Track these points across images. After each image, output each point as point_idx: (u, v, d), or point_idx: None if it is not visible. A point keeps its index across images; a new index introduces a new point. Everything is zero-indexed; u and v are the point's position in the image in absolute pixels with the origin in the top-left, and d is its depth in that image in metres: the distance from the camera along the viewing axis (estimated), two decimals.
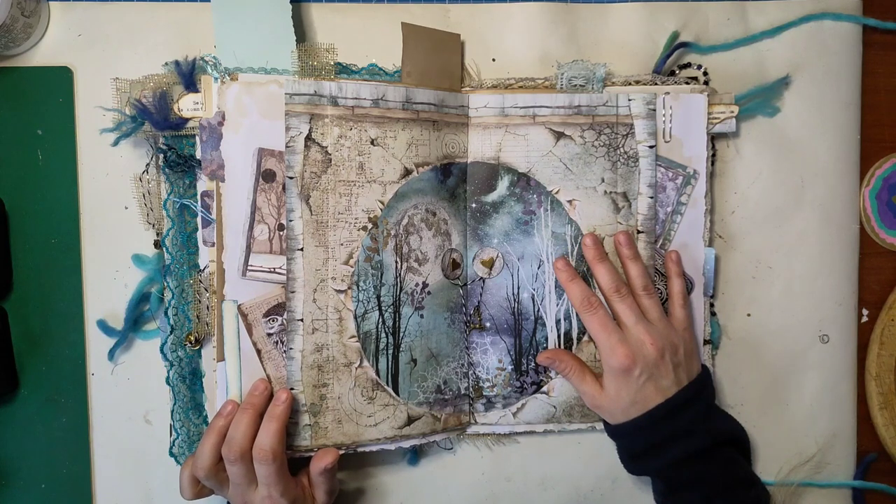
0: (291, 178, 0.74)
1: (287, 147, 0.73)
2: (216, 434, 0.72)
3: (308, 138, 0.74)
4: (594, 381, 0.79)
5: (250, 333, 0.75)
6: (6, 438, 0.81)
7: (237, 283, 0.74)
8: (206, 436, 0.72)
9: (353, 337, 0.76)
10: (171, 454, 0.78)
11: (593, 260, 0.79)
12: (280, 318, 0.75)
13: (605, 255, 0.79)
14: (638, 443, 0.77)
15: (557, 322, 0.81)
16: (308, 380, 0.75)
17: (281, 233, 0.75)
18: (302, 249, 0.74)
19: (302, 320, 0.75)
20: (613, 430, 0.79)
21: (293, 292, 0.75)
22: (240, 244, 0.74)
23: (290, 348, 0.75)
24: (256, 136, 0.73)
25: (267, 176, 0.74)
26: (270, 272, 0.75)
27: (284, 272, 0.75)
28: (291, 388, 0.75)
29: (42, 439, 0.82)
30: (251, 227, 0.74)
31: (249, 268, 0.74)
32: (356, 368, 0.77)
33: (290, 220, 0.74)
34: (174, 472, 0.80)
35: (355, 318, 0.76)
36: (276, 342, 0.75)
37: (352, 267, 0.76)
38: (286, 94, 0.73)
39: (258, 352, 0.75)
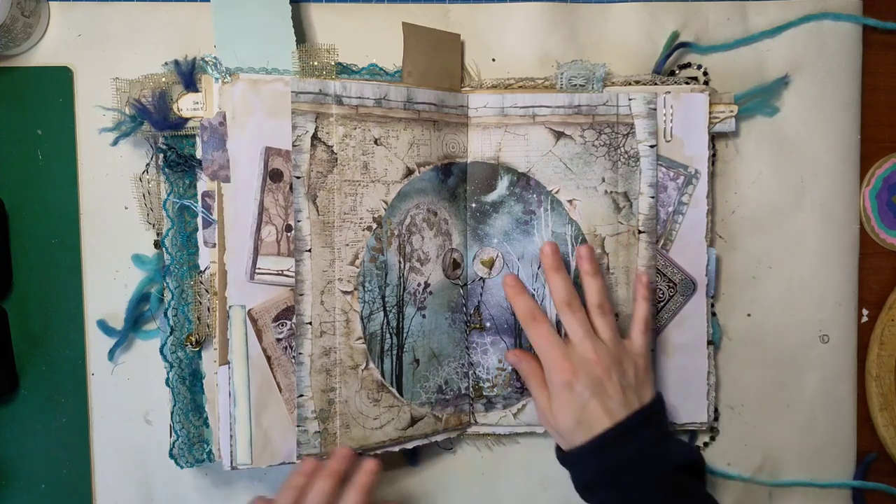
0: (299, 177, 0.74)
1: (294, 146, 0.73)
2: (294, 491, 0.70)
3: (314, 137, 0.74)
4: (549, 396, 0.76)
5: (260, 340, 0.74)
6: (6, 438, 0.81)
7: (245, 287, 0.74)
8: (284, 491, 0.70)
9: (360, 338, 0.76)
10: (171, 456, 0.78)
11: (549, 269, 0.77)
12: (289, 323, 0.75)
13: (561, 265, 0.77)
14: (588, 471, 0.73)
15: (557, 322, 0.81)
16: (317, 385, 0.75)
17: (288, 234, 0.74)
18: (310, 251, 0.74)
19: (310, 323, 0.75)
20: (564, 458, 0.76)
21: (302, 295, 0.74)
22: (247, 246, 0.74)
23: (300, 353, 0.75)
24: (263, 135, 0.73)
25: (274, 175, 0.74)
26: (278, 275, 0.74)
27: (292, 274, 0.74)
28: (300, 395, 0.75)
29: (42, 439, 0.81)
30: (259, 229, 0.74)
31: (258, 271, 0.74)
32: (362, 371, 0.77)
33: (298, 221, 0.74)
34: (174, 472, 0.80)
35: (361, 319, 0.76)
36: (285, 347, 0.75)
37: (357, 267, 0.76)
38: (292, 92, 0.73)
39: (268, 358, 0.75)
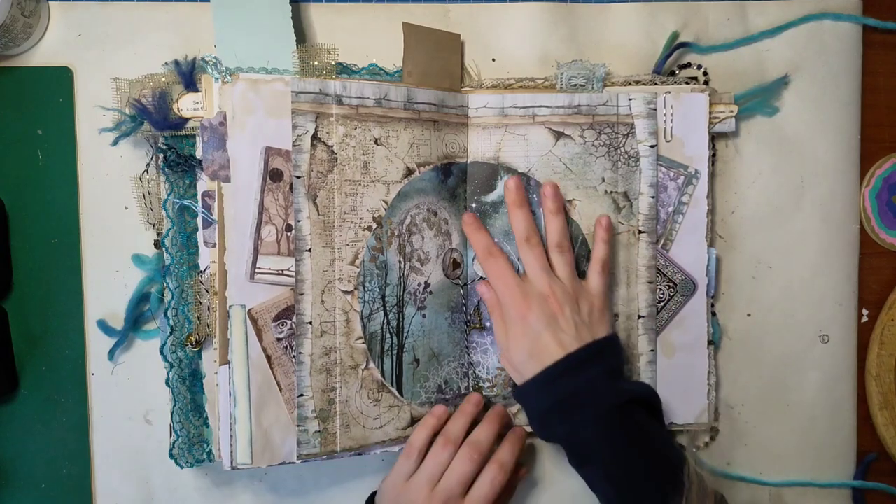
0: (299, 177, 0.74)
1: (294, 146, 0.73)
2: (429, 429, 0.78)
3: (314, 137, 0.74)
4: (505, 333, 0.77)
5: (260, 339, 0.74)
6: (6, 438, 0.81)
7: (245, 287, 0.74)
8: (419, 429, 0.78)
9: (360, 338, 0.76)
10: (171, 456, 0.78)
11: (512, 204, 0.78)
12: (289, 322, 0.75)
13: (525, 201, 0.78)
14: (541, 402, 0.74)
15: None
16: (317, 385, 0.75)
17: (288, 234, 0.74)
18: (310, 250, 0.74)
19: (311, 323, 0.75)
20: (517, 392, 0.77)
21: (302, 294, 0.74)
22: (247, 246, 0.73)
23: (300, 353, 0.75)
24: (263, 134, 0.73)
25: (274, 175, 0.74)
26: (279, 274, 0.74)
27: (293, 274, 0.74)
28: (301, 395, 0.75)
29: (42, 439, 0.81)
30: (259, 229, 0.74)
31: (258, 270, 0.74)
32: (363, 370, 0.77)
33: (298, 221, 0.74)
34: (174, 472, 0.80)
35: (361, 319, 0.76)
36: (286, 347, 0.75)
37: (357, 267, 0.76)
38: (292, 91, 0.73)
39: (268, 358, 0.75)
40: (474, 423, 0.79)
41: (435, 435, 0.77)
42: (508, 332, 0.76)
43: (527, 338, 0.74)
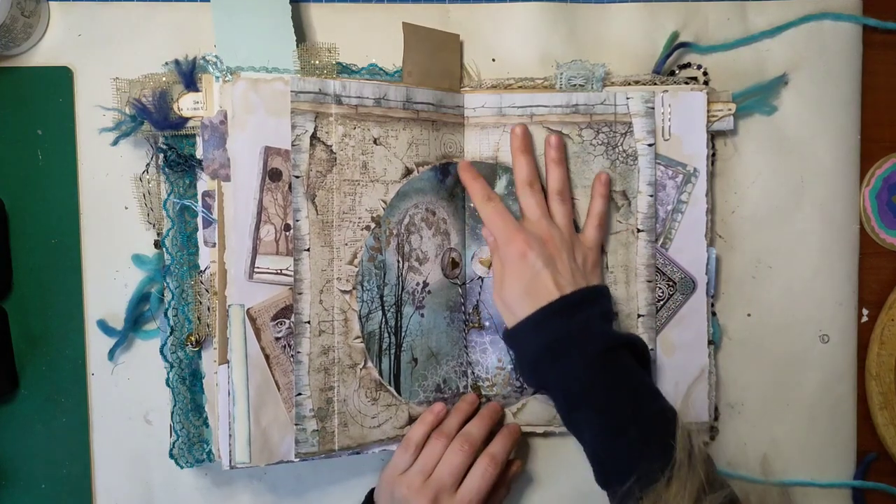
0: (298, 177, 0.74)
1: (293, 146, 0.73)
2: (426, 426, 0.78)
3: (313, 137, 0.74)
4: (503, 267, 0.77)
5: (259, 338, 0.74)
6: (6, 438, 0.81)
7: (244, 286, 0.74)
8: (416, 426, 0.79)
9: (358, 338, 0.76)
10: (171, 456, 0.78)
11: (516, 150, 0.79)
12: (288, 322, 0.75)
13: (529, 148, 0.79)
14: (532, 344, 0.74)
15: None
16: (315, 384, 0.75)
17: (287, 233, 0.74)
18: (308, 250, 0.74)
19: (309, 322, 0.75)
20: (509, 334, 0.77)
21: (300, 294, 0.74)
22: (246, 246, 0.74)
23: (298, 352, 0.75)
24: (263, 134, 0.73)
25: (273, 175, 0.74)
26: (277, 274, 0.74)
27: (291, 274, 0.74)
28: (299, 394, 0.75)
29: (42, 439, 0.82)
30: (257, 228, 0.74)
31: (256, 270, 0.74)
32: (360, 370, 0.77)
33: (297, 220, 0.74)
34: (174, 472, 0.80)
35: (360, 318, 0.76)
36: (284, 346, 0.75)
37: (356, 267, 0.76)
38: (292, 91, 0.73)
39: (267, 357, 0.75)
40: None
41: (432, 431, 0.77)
42: (505, 270, 0.76)
43: (524, 276, 0.74)
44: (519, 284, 0.75)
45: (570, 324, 0.73)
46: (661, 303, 0.82)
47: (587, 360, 0.71)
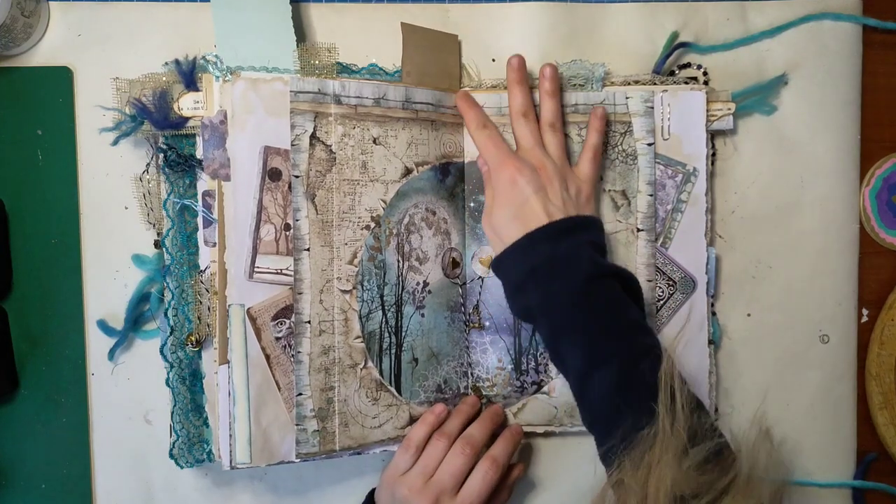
0: (297, 176, 0.74)
1: (293, 145, 0.73)
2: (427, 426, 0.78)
3: (313, 136, 0.74)
4: (494, 193, 0.77)
5: (259, 338, 0.74)
6: (6, 438, 0.81)
7: (244, 286, 0.74)
8: (417, 426, 0.79)
9: (359, 337, 0.76)
10: (171, 456, 0.78)
11: (512, 81, 0.78)
12: (288, 322, 0.75)
13: (525, 80, 0.78)
14: (517, 269, 0.73)
15: None
16: (315, 384, 0.75)
17: (287, 233, 0.74)
18: (308, 249, 0.74)
19: (309, 322, 0.75)
20: (496, 261, 0.76)
21: (300, 293, 0.74)
22: (246, 245, 0.74)
23: (299, 352, 0.75)
24: (262, 133, 0.73)
25: (273, 175, 0.74)
26: (277, 273, 0.74)
27: (291, 273, 0.74)
28: (299, 394, 0.75)
29: (42, 439, 0.82)
30: (257, 228, 0.74)
31: (256, 269, 0.74)
32: (361, 370, 0.77)
33: (297, 220, 0.74)
34: (174, 472, 0.80)
35: (360, 318, 0.76)
36: (284, 346, 0.75)
37: (356, 267, 0.76)
38: (291, 91, 0.73)
39: (267, 357, 0.75)
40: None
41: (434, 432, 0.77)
42: (496, 197, 0.76)
43: (514, 201, 0.74)
44: (508, 209, 0.74)
45: (556, 249, 0.72)
46: (662, 302, 0.82)
47: (571, 286, 0.71)
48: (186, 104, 0.75)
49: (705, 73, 0.83)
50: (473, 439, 0.76)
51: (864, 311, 0.88)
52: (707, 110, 0.81)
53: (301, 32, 0.80)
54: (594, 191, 0.79)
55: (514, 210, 0.74)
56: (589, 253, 0.72)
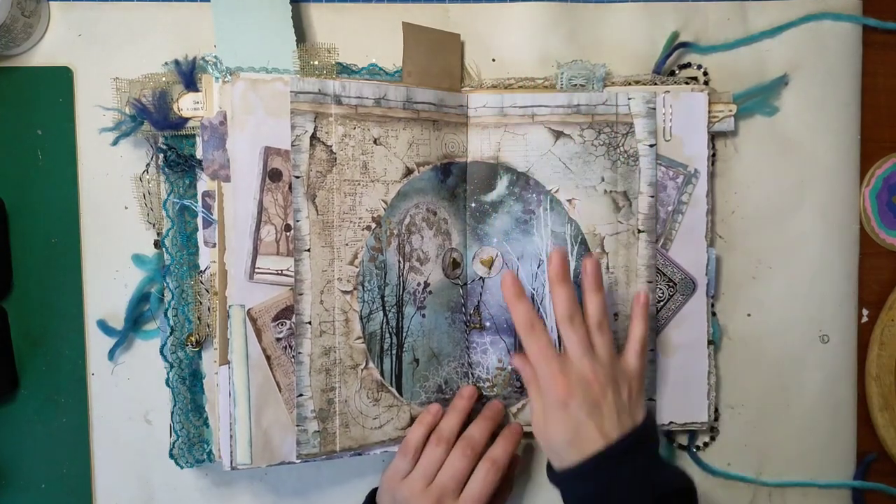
0: (298, 177, 0.74)
1: (293, 146, 0.73)
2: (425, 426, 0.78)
3: (313, 137, 0.74)
4: (542, 412, 0.74)
5: (259, 339, 0.74)
6: (6, 438, 0.81)
7: (244, 287, 0.74)
8: (415, 427, 0.78)
9: (360, 338, 0.76)
10: (171, 456, 0.78)
11: (554, 279, 0.73)
12: (289, 322, 0.75)
13: (568, 277, 0.74)
14: (579, 492, 0.72)
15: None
16: (316, 384, 0.75)
17: (288, 234, 0.74)
18: (309, 250, 0.74)
19: (310, 323, 0.75)
20: (554, 477, 0.74)
21: (301, 294, 0.74)
22: (246, 246, 0.73)
23: (299, 352, 0.75)
24: (262, 134, 0.73)
25: (273, 175, 0.74)
26: (278, 274, 0.74)
27: (292, 274, 0.74)
28: (300, 395, 0.75)
29: (42, 439, 0.82)
30: (258, 229, 0.74)
31: (257, 270, 0.74)
32: (362, 370, 0.77)
33: (297, 221, 0.74)
34: (174, 472, 0.80)
35: (361, 318, 0.76)
36: (285, 347, 0.75)
37: (357, 267, 0.76)
38: (291, 91, 0.73)
39: (268, 358, 0.75)
40: (473, 416, 0.80)
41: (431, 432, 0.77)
42: (547, 415, 0.73)
43: (568, 424, 0.71)
44: (563, 433, 0.71)
45: (617, 474, 0.70)
46: (662, 303, 0.82)
47: None
48: (186, 105, 0.75)
49: (705, 73, 0.83)
50: (474, 440, 0.76)
51: (864, 312, 0.88)
52: (709, 112, 0.81)
53: (301, 32, 0.79)
54: (643, 384, 0.77)
55: (570, 434, 0.71)
56: (647, 476, 0.71)
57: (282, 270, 0.74)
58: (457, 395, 0.81)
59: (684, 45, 0.83)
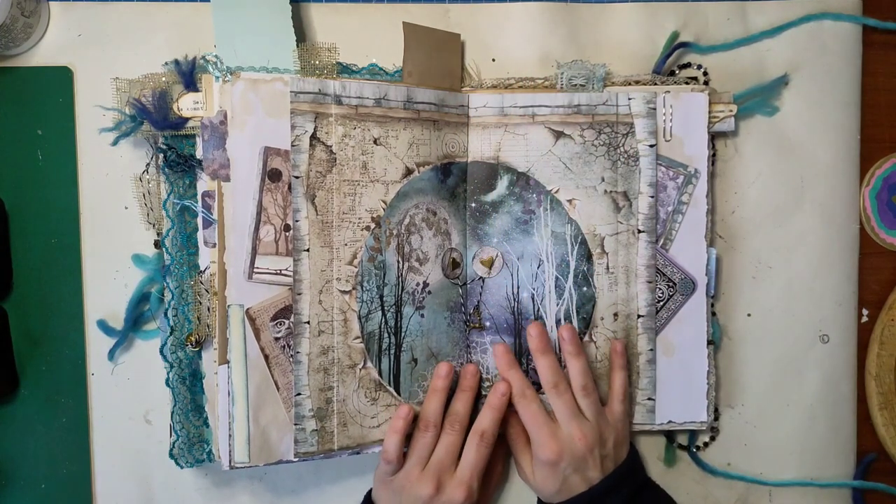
0: (297, 177, 0.74)
1: (293, 146, 0.73)
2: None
3: (313, 137, 0.74)
4: (529, 462, 0.80)
5: (258, 338, 0.74)
6: (6, 438, 0.81)
7: (243, 287, 0.74)
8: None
9: (358, 338, 0.76)
10: (171, 456, 0.78)
11: (536, 351, 0.79)
12: (287, 322, 0.75)
13: (549, 347, 0.79)
14: None
15: (557, 322, 0.81)
16: (314, 384, 0.75)
17: (287, 233, 0.74)
18: (308, 250, 0.74)
19: (308, 322, 0.75)
20: None
21: (300, 294, 0.74)
22: (245, 246, 0.73)
23: (297, 352, 0.75)
24: (262, 134, 0.73)
25: (273, 175, 0.74)
26: (276, 274, 0.74)
27: (290, 274, 0.74)
28: (298, 394, 0.75)
29: (42, 439, 0.82)
30: (257, 228, 0.74)
31: (256, 270, 0.74)
32: (360, 370, 0.77)
33: (297, 221, 0.74)
34: (174, 472, 0.80)
35: (359, 318, 0.76)
36: (283, 346, 0.75)
37: (356, 267, 0.76)
38: (291, 91, 0.73)
39: (266, 357, 0.75)
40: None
41: (407, 438, 0.77)
42: (537, 471, 0.78)
43: (556, 480, 0.77)
44: (552, 487, 0.77)
45: None
46: (662, 303, 0.82)
47: None
48: (186, 104, 0.75)
49: (705, 73, 0.83)
50: (458, 415, 0.78)
51: (864, 312, 0.88)
52: (709, 112, 0.81)
53: (301, 32, 0.80)
54: (628, 426, 0.82)
55: (557, 488, 0.77)
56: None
57: (280, 270, 0.74)
58: (434, 375, 0.80)
59: (684, 45, 0.83)
